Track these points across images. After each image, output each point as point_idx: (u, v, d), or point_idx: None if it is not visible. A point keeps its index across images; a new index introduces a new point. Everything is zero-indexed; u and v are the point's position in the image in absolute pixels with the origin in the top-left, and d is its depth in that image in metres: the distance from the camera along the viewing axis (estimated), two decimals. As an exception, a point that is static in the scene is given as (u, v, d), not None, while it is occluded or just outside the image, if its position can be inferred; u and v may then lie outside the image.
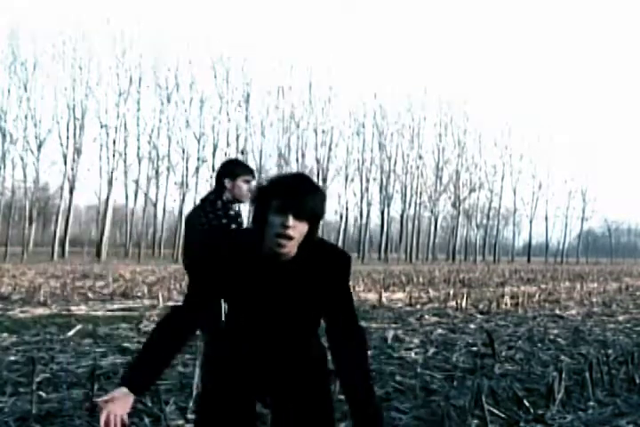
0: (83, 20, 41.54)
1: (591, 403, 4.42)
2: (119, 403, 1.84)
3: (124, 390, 1.88)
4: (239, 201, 3.67)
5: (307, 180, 2.00)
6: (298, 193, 1.91)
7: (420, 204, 55.00)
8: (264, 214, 1.94)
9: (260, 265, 2.00)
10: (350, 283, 2.18)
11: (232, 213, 3.56)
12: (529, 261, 58.26)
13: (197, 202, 3.78)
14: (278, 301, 2.02)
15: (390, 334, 7.44)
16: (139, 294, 12.18)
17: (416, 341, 7.12)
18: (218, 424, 2.04)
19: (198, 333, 2.27)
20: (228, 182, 3.63)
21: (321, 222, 2.02)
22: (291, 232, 1.90)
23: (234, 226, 3.48)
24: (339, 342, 2.07)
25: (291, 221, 1.89)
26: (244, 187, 3.65)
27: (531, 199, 59.68)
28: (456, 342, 7.07)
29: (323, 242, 2.10)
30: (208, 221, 3.52)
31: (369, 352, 6.14)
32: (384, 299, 11.70)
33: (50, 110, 54.29)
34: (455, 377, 5.12)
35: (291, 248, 1.95)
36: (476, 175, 57.39)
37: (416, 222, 55.27)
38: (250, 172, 3.76)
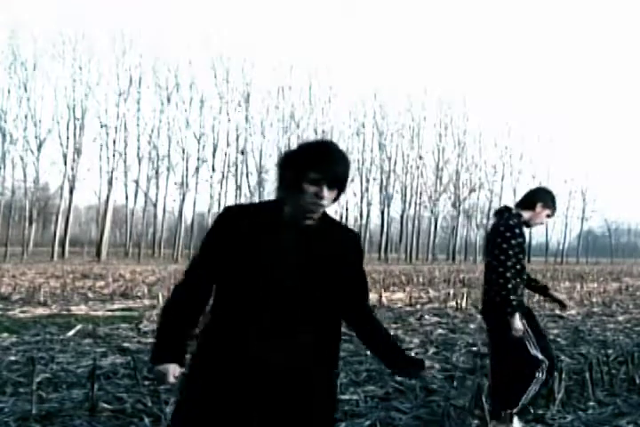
0: (83, 20, 41.39)
1: (591, 403, 4.42)
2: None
3: (172, 365, 1.95)
4: (527, 225, 3.82)
5: (336, 148, 2.03)
6: (331, 164, 1.96)
7: (419, 204, 55.02)
8: (298, 182, 1.95)
9: (283, 230, 2.00)
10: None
11: (521, 231, 3.66)
12: (529, 261, 57.73)
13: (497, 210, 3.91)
14: (301, 267, 1.99)
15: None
16: (139, 294, 12.19)
17: (416, 341, 7.13)
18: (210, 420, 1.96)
19: None
20: (538, 207, 3.78)
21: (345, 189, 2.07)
22: (325, 202, 1.95)
23: (517, 242, 3.57)
24: (361, 320, 2.15)
25: (325, 191, 1.94)
26: (544, 220, 3.86)
27: (531, 199, 59.64)
28: (456, 342, 7.07)
29: (333, 218, 2.14)
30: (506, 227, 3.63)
31: (368, 353, 6.15)
32: (384, 299, 11.70)
33: (50, 110, 54.43)
34: (455, 377, 5.12)
35: (319, 215, 2.01)
36: (475, 175, 57.39)
37: (416, 222, 55.28)
38: (555, 210, 3.92)
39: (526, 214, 3.77)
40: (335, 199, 2.03)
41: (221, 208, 2.23)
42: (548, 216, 3.85)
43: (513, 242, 3.54)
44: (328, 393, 2.10)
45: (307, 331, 2.01)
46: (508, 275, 3.51)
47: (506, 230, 3.58)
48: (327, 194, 1.95)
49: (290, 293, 1.98)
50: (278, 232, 1.99)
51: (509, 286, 3.50)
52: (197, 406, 1.98)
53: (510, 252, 3.53)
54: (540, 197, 3.81)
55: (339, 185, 1.99)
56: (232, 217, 2.02)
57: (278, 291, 1.97)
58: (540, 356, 3.62)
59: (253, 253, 1.97)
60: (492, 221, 3.91)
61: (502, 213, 3.76)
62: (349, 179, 2.06)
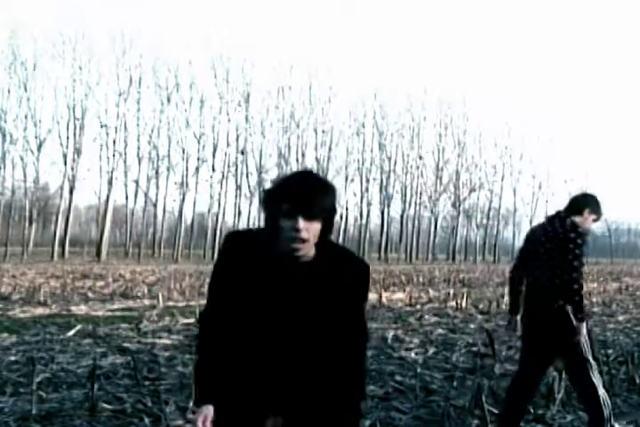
0: (83, 20, 41.39)
1: (591, 403, 4.41)
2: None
3: (210, 407, 1.91)
4: None
5: (312, 178, 1.93)
6: (304, 194, 1.85)
7: (420, 204, 55.02)
8: (275, 218, 1.88)
9: (279, 267, 1.94)
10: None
11: (583, 241, 3.69)
12: (529, 261, 58.12)
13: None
14: (299, 303, 1.94)
15: (390, 334, 7.45)
16: (139, 294, 12.18)
17: (416, 341, 7.12)
18: None
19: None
20: (586, 213, 3.83)
21: (336, 217, 1.98)
22: (304, 235, 1.84)
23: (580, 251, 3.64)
24: (335, 371, 1.96)
25: (301, 223, 1.83)
26: (591, 225, 3.90)
27: (531, 199, 59.69)
28: (456, 342, 7.07)
29: (342, 247, 2.05)
30: (562, 235, 3.66)
31: (368, 353, 6.16)
32: (384, 299, 11.70)
33: (50, 110, 54.42)
34: (455, 377, 5.12)
35: (307, 249, 1.90)
36: (476, 175, 57.39)
37: (416, 222, 55.28)
38: (601, 215, 3.96)
39: (576, 220, 3.81)
40: (325, 231, 1.91)
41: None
42: (594, 221, 3.90)
43: (584, 249, 3.64)
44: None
45: (311, 371, 1.96)
46: (582, 281, 3.61)
47: (577, 237, 3.63)
48: (304, 225, 1.83)
49: (287, 332, 1.94)
50: (275, 270, 1.94)
51: (582, 291, 3.61)
52: None
53: (582, 258, 3.64)
54: (587, 203, 3.85)
55: (321, 215, 1.87)
56: (235, 247, 1.98)
57: (275, 330, 1.94)
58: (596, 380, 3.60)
59: (249, 291, 1.94)
60: (542, 226, 3.86)
61: (563, 219, 3.76)
62: (336, 209, 1.94)
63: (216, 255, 2.04)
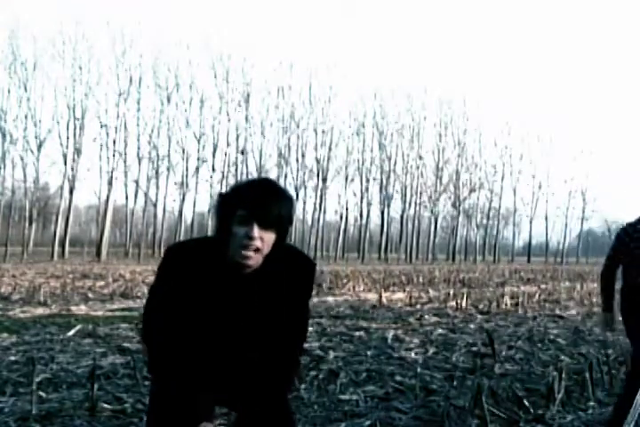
0: (83, 20, 41.38)
1: (591, 403, 4.42)
2: None
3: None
4: None
5: (271, 186, 1.88)
6: (262, 201, 1.80)
7: (420, 204, 55.01)
8: (228, 225, 1.81)
9: (225, 277, 1.88)
10: (312, 294, 2.11)
11: None
12: (529, 261, 58.23)
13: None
14: (243, 314, 1.90)
15: (390, 334, 7.45)
16: (139, 294, 12.18)
17: (416, 341, 7.12)
18: None
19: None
20: None
21: (289, 229, 1.90)
22: (257, 243, 1.79)
23: None
24: (271, 358, 1.97)
25: (256, 231, 1.78)
26: None
27: (531, 199, 59.68)
28: (456, 342, 7.07)
29: (289, 248, 1.99)
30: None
31: (368, 353, 6.15)
32: (384, 299, 11.70)
33: (50, 110, 54.33)
34: (455, 377, 5.12)
35: (257, 260, 1.83)
36: (475, 175, 57.38)
37: (416, 222, 55.27)
38: None
39: None
40: (277, 242, 1.85)
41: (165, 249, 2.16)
42: None
43: None
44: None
45: (254, 382, 1.95)
46: None
47: None
48: (258, 234, 1.78)
49: (235, 340, 1.93)
50: (222, 281, 1.89)
51: None
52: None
53: None
54: None
55: (274, 226, 1.82)
56: (178, 260, 1.95)
57: (223, 339, 1.93)
58: None
59: (196, 299, 1.91)
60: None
61: None
62: (292, 220, 1.89)
63: (158, 267, 1.98)
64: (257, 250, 1.80)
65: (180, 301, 1.91)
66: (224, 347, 1.93)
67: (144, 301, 8.68)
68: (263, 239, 1.80)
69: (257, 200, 1.79)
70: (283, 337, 1.97)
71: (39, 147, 39.90)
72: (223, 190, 1.98)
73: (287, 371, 2.01)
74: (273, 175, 46.46)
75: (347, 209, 50.37)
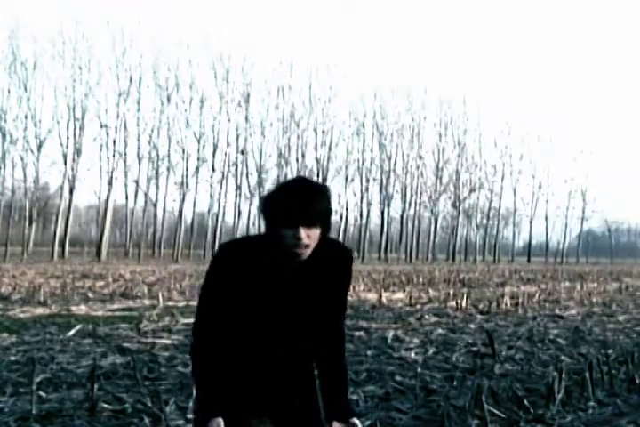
0: (83, 20, 41.39)
1: (591, 403, 4.42)
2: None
3: (217, 419, 1.94)
4: None
5: (307, 186, 1.98)
6: (302, 204, 1.91)
7: (420, 204, 55.03)
8: (275, 227, 1.95)
9: (277, 269, 2.01)
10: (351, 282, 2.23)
11: None
12: (529, 261, 58.24)
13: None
14: (296, 303, 2.04)
15: (390, 334, 7.44)
16: (139, 294, 12.17)
17: (416, 341, 7.12)
18: None
19: None
20: None
21: (332, 219, 2.04)
22: (305, 241, 1.93)
23: None
24: (325, 341, 2.15)
25: (302, 232, 1.91)
26: None
27: (531, 199, 59.72)
28: (456, 342, 7.06)
29: (328, 238, 2.11)
30: None
31: (368, 353, 6.15)
32: (384, 299, 11.69)
33: (50, 110, 54.38)
34: (455, 377, 5.11)
35: (308, 253, 1.98)
36: (475, 175, 57.41)
37: (416, 222, 55.28)
38: None
39: None
40: (324, 232, 2.00)
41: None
42: None
43: None
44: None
45: (308, 370, 2.12)
46: None
47: None
48: (305, 233, 1.92)
49: (294, 325, 2.06)
50: (277, 268, 2.01)
51: None
52: None
53: None
54: None
55: (319, 221, 1.95)
56: (232, 255, 2.02)
57: (278, 329, 2.04)
58: None
59: (255, 292, 2.01)
60: None
61: None
62: (331, 209, 2.02)
63: (209, 265, 2.06)
64: (306, 246, 1.95)
65: (237, 297, 2.01)
66: (278, 340, 2.04)
67: (144, 301, 8.66)
68: (310, 236, 1.94)
69: (297, 204, 1.92)
70: (332, 325, 2.15)
71: (39, 147, 39.94)
72: (265, 194, 2.06)
73: (345, 360, 2.22)
74: (273, 175, 46.48)
75: (347, 209, 50.45)
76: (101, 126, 41.56)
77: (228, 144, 45.72)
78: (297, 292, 2.04)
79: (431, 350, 6.45)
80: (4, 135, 39.21)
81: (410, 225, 54.85)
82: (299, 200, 1.92)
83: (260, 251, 2.01)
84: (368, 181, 51.57)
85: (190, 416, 3.76)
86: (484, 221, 60.00)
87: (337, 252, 2.12)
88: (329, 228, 2.02)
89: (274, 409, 2.10)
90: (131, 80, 42.60)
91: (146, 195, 44.28)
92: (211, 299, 2.05)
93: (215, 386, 1.99)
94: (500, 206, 59.87)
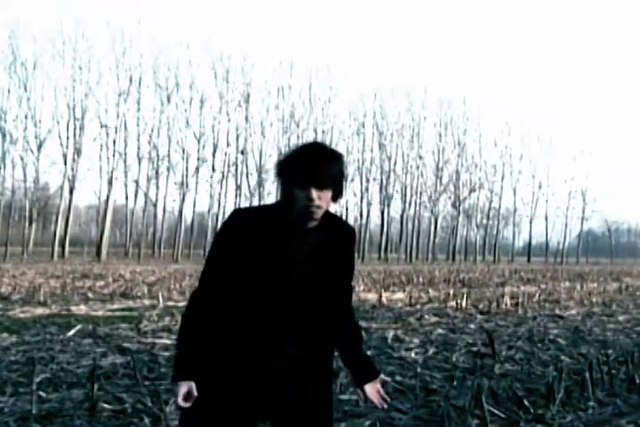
0: (83, 20, 41.36)
1: (591, 403, 4.42)
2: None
3: (188, 383, 1.98)
4: None
5: (321, 149, 2.04)
6: (315, 166, 1.96)
7: (420, 204, 55.00)
8: (289, 189, 1.99)
9: (288, 234, 2.03)
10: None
11: None
12: (529, 261, 58.23)
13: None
14: (306, 267, 2.05)
15: (390, 334, 7.44)
16: (139, 294, 12.18)
17: (416, 341, 7.12)
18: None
19: None
20: None
21: (345, 184, 2.08)
22: (317, 203, 1.97)
23: None
24: (344, 321, 2.20)
25: (314, 193, 1.96)
26: None
27: (531, 199, 59.70)
28: (456, 342, 7.07)
29: (332, 213, 2.16)
30: None
31: (368, 353, 6.15)
32: (384, 299, 11.69)
33: (50, 110, 54.39)
34: (455, 377, 5.11)
35: (319, 217, 2.03)
36: (475, 175, 57.37)
37: (416, 222, 55.25)
38: None
39: None
40: (335, 198, 2.05)
41: (227, 211, 2.25)
42: None
43: None
44: (326, 393, 2.16)
45: (310, 330, 2.09)
46: None
47: None
48: (317, 195, 1.96)
49: (297, 295, 2.05)
50: (284, 236, 2.03)
51: None
52: (202, 408, 2.01)
53: None
54: None
55: (331, 184, 2.00)
56: (242, 222, 2.05)
57: (286, 294, 2.03)
58: None
59: (261, 258, 2.01)
60: None
61: None
62: (345, 175, 2.07)
63: (218, 230, 2.11)
64: (318, 208, 2.00)
65: (240, 263, 2.02)
66: (279, 302, 2.03)
67: (144, 301, 8.69)
68: (322, 198, 1.99)
69: (310, 166, 1.96)
70: (341, 303, 2.18)
71: (39, 147, 39.91)
72: (279, 158, 2.11)
73: (360, 332, 2.28)
74: (273, 175, 46.38)
75: (347, 209, 50.38)
76: (101, 126, 41.56)
77: (228, 144, 45.72)
78: (302, 261, 2.05)
79: (431, 350, 6.45)
80: (4, 135, 39.19)
81: (410, 225, 54.85)
82: (312, 162, 1.97)
83: (270, 218, 2.04)
84: (368, 181, 51.58)
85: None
86: (484, 221, 60.01)
87: (342, 227, 2.16)
88: (341, 193, 2.06)
89: (266, 394, 2.03)
90: (131, 80, 42.59)
91: (146, 195, 44.29)
92: (213, 265, 2.07)
93: (193, 352, 2.01)
94: (500, 206, 59.89)
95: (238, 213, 2.10)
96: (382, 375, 2.24)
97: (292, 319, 2.04)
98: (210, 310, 2.03)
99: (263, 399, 2.04)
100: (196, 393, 1.97)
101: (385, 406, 2.22)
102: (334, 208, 2.11)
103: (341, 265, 2.15)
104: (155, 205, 44.48)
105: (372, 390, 2.19)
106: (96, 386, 4.12)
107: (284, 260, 2.02)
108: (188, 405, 1.97)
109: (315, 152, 2.02)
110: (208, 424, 2.00)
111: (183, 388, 1.97)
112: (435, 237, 56.35)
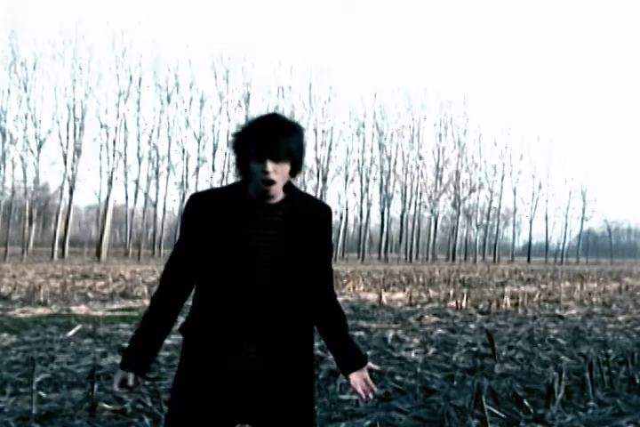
0: (83, 20, 41.48)
1: (591, 403, 4.42)
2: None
3: (126, 373, 2.02)
4: None
5: (277, 120, 1.97)
6: (271, 137, 1.89)
7: (420, 204, 55.00)
8: (245, 162, 1.94)
9: (249, 211, 1.96)
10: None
11: None
12: (529, 261, 58.23)
13: None
14: (272, 245, 1.96)
15: (390, 334, 7.44)
16: (139, 294, 12.18)
17: (416, 341, 7.12)
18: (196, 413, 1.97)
19: None
20: None
21: (304, 159, 2.00)
22: (272, 177, 1.89)
23: None
24: (326, 306, 2.10)
25: (269, 166, 1.88)
26: None
27: (531, 199, 59.74)
28: (456, 342, 7.07)
29: (305, 193, 2.10)
30: None
31: (368, 353, 6.15)
32: (384, 299, 11.69)
33: (50, 110, 54.39)
34: (455, 377, 5.11)
35: (277, 191, 1.95)
36: (475, 175, 57.39)
37: (416, 222, 55.25)
38: None
39: None
40: (294, 172, 1.97)
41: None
42: None
43: None
44: (306, 383, 2.10)
45: (282, 318, 1.99)
46: None
47: None
48: (272, 168, 1.88)
49: (263, 277, 1.96)
50: (245, 214, 1.96)
51: None
52: (183, 402, 2.01)
53: None
54: None
55: (288, 157, 1.91)
56: (198, 203, 2.00)
57: (252, 277, 1.95)
58: None
59: (223, 237, 1.95)
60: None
61: None
62: (304, 150, 1.99)
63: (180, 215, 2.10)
64: (273, 182, 1.91)
65: (204, 244, 1.97)
66: (250, 284, 1.96)
67: (144, 301, 8.71)
68: (277, 172, 1.90)
69: (266, 137, 1.90)
70: (315, 280, 2.06)
71: (39, 147, 39.88)
72: (235, 131, 2.05)
73: (344, 316, 2.16)
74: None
75: (347, 209, 50.42)
76: (101, 126, 41.54)
77: (228, 144, 45.70)
78: (265, 238, 1.96)
79: (431, 350, 6.45)
80: (3, 135, 39.16)
81: (410, 225, 54.84)
82: (267, 133, 1.90)
83: (228, 197, 1.98)
84: (368, 181, 51.60)
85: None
86: (484, 221, 60.01)
87: (316, 205, 2.08)
88: (300, 167, 1.99)
89: (230, 395, 1.96)
90: (131, 80, 42.58)
91: (146, 195, 44.29)
92: (176, 249, 2.04)
93: (143, 343, 2.05)
94: (499, 206, 59.91)
95: (194, 197, 2.04)
96: (370, 363, 2.17)
97: (259, 303, 1.95)
98: (167, 296, 2.02)
99: (229, 401, 1.96)
100: (131, 383, 1.99)
101: (371, 396, 2.15)
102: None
103: (315, 244, 2.03)
104: (155, 205, 44.48)
105: (358, 378, 2.14)
106: (96, 386, 4.12)
107: (241, 235, 1.94)
108: (123, 391, 2.01)
109: (272, 124, 1.94)
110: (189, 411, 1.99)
111: (118, 377, 2.02)
112: (435, 237, 56.35)
